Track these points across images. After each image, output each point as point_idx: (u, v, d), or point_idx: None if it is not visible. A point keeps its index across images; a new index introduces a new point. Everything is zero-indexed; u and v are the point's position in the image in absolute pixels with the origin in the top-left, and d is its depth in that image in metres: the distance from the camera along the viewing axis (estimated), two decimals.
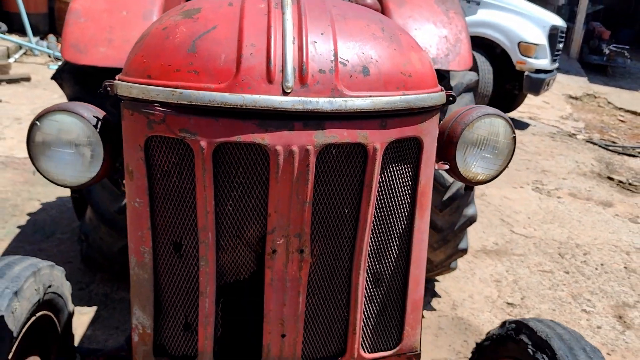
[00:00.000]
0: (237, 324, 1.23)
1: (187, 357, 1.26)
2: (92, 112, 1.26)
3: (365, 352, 1.31)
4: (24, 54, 8.12)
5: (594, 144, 7.99)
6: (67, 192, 4.36)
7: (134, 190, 1.16)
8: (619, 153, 7.68)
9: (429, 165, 1.23)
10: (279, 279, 1.18)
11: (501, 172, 1.34)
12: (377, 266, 1.25)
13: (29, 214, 3.96)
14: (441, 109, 1.24)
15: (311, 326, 1.25)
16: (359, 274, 1.21)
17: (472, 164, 1.31)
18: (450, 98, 1.22)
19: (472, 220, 3.01)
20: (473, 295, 3.64)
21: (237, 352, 1.26)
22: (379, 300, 1.29)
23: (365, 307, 1.26)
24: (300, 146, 1.07)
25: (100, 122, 1.24)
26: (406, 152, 1.19)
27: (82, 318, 2.97)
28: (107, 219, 2.88)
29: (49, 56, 8.20)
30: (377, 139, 1.12)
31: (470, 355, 2.05)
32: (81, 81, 2.83)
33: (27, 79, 7.03)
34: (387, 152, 1.14)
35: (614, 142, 8.26)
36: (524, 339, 1.81)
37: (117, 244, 2.98)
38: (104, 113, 1.29)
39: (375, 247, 1.22)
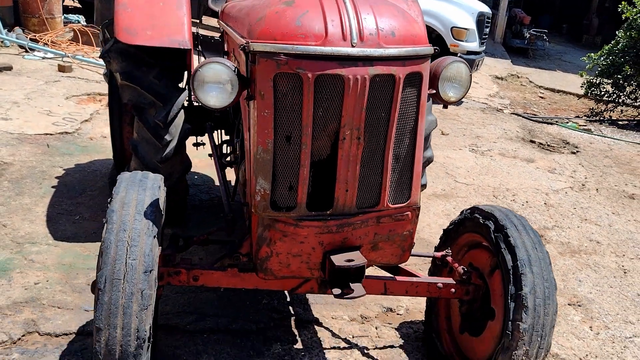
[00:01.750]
0: (319, 185, 2.10)
1: (289, 207, 2.12)
2: (231, 64, 2.06)
3: (390, 204, 2.21)
4: None
5: (518, 115, 9.22)
6: (83, 160, 5.06)
7: (263, 105, 2.00)
8: (538, 122, 8.92)
9: (426, 90, 2.14)
10: (346, 155, 2.06)
11: (464, 96, 2.25)
12: (398, 149, 2.14)
13: (56, 177, 4.64)
14: (431, 58, 2.14)
15: (361, 186, 2.14)
16: (389, 153, 2.11)
17: (448, 91, 2.21)
18: (435, 51, 2.13)
19: (430, 160, 3.96)
20: (430, 224, 4.64)
21: (318, 203, 2.13)
22: (398, 170, 2.19)
23: (391, 175, 2.16)
24: (361, 75, 1.94)
25: (235, 70, 2.06)
26: (414, 81, 2.09)
27: None
28: (151, 167, 3.65)
29: (20, 47, 8.62)
30: (400, 72, 2.01)
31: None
32: (128, 58, 3.57)
33: (9, 68, 7.51)
34: (405, 80, 2.04)
35: (534, 115, 9.54)
36: (477, 214, 2.76)
37: None
38: (236, 65, 2.09)
39: (397, 137, 2.12)
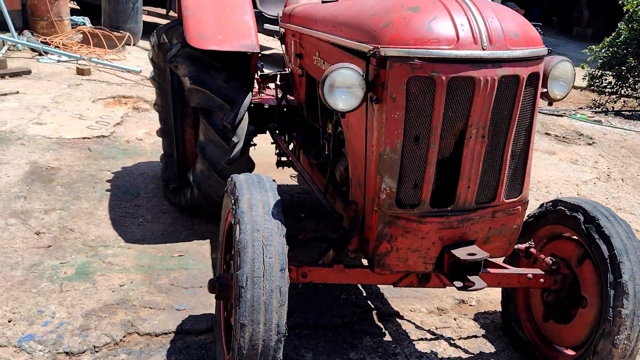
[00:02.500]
0: (440, 182, 2.20)
1: (413, 204, 2.22)
2: (358, 68, 2.14)
3: (504, 199, 2.32)
4: (7, 49, 8.47)
5: None
6: (128, 163, 5.10)
7: (394, 108, 2.08)
8: (548, 114, 9.11)
9: (540, 88, 2.26)
10: (470, 153, 2.16)
11: (568, 93, 2.37)
12: (515, 146, 2.25)
13: (107, 181, 4.68)
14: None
15: (481, 182, 2.24)
16: (508, 150, 2.22)
17: (555, 89, 2.32)
18: (549, 51, 2.25)
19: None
20: None
21: (440, 199, 2.23)
22: (513, 166, 2.30)
23: (507, 171, 2.27)
24: (490, 77, 2.04)
25: (363, 74, 2.14)
26: (533, 81, 2.20)
27: (199, 248, 3.80)
28: (218, 169, 3.73)
29: (33, 50, 8.59)
30: (524, 73, 2.12)
31: None
32: (196, 62, 3.64)
33: (28, 72, 7.49)
34: (527, 80, 2.15)
35: (540, 107, 9.72)
36: (561, 206, 2.88)
37: (223, 190, 3.83)
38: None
39: (515, 135, 2.23)
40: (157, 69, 4.55)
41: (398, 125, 2.11)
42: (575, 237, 2.83)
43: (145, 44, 10.44)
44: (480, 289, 2.30)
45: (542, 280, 2.78)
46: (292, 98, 4.10)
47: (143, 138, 5.87)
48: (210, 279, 2.53)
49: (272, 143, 4.28)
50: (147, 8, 11.48)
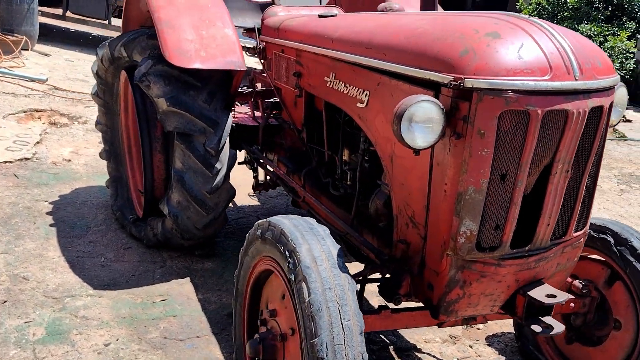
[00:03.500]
0: (522, 222, 2.03)
1: (493, 247, 2.03)
2: (438, 102, 1.91)
3: (573, 232, 2.20)
4: None
5: None
6: (65, 190, 4.50)
7: (482, 144, 1.87)
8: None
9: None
10: (554, 189, 2.01)
11: (621, 118, 2.31)
12: (588, 178, 2.14)
13: (48, 214, 4.09)
14: None
15: (558, 218, 2.10)
16: (584, 183, 2.10)
17: (613, 115, 2.24)
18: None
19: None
20: None
21: (520, 240, 2.06)
22: (584, 201, 2.18)
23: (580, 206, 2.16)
24: (582, 109, 1.90)
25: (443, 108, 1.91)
26: (610, 110, 2.09)
27: (181, 288, 3.39)
28: (198, 199, 3.35)
29: None
30: (607, 103, 1.99)
31: None
32: (172, 82, 3.22)
33: None
34: (609, 108, 2.04)
35: None
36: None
37: (203, 221, 3.45)
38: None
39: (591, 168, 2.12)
40: (103, 85, 4.04)
41: (485, 163, 1.91)
42: (601, 258, 2.80)
43: (43, 47, 9.46)
44: (561, 332, 2.16)
45: (572, 304, 2.72)
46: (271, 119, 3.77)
47: (71, 158, 5.23)
48: (251, 341, 2.20)
49: (250, 167, 3.94)
50: (42, 9, 10.40)
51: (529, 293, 2.13)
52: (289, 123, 3.42)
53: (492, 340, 3.27)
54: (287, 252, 2.04)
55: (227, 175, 3.42)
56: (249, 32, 3.86)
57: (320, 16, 3.09)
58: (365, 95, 2.43)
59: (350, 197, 2.78)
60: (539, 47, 1.90)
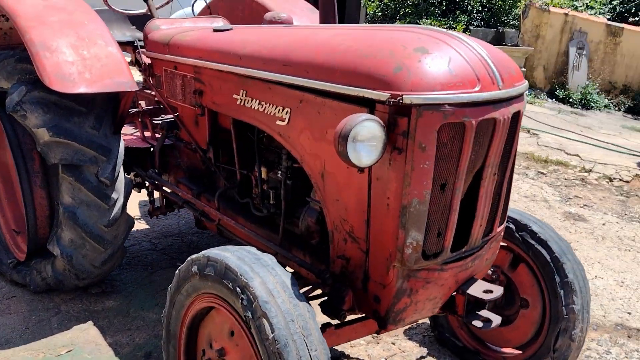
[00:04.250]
0: (457, 225, 2.12)
1: (436, 254, 2.09)
2: (379, 119, 1.90)
3: (497, 228, 2.34)
4: None
5: None
6: None
7: (423, 158, 1.90)
8: None
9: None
10: (485, 192, 2.12)
11: None
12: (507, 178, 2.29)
13: None
14: None
15: (486, 218, 2.23)
16: (506, 183, 2.24)
17: None
18: None
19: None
20: None
21: (456, 242, 2.14)
22: (502, 199, 2.33)
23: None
24: (506, 116, 2.01)
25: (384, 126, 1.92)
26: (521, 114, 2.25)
27: (86, 335, 3.09)
28: (95, 234, 3.08)
29: None
30: (521, 107, 2.13)
31: None
32: (53, 109, 2.92)
33: None
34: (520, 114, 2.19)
35: None
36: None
37: (102, 257, 3.18)
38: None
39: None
40: None
41: (427, 175, 1.97)
42: (504, 244, 3.03)
43: None
44: (498, 324, 2.30)
45: None
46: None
47: None
48: None
49: (139, 191, 3.68)
50: None
51: (468, 292, 2.24)
52: (188, 143, 3.25)
53: (411, 334, 3.40)
54: (237, 288, 1.94)
55: (124, 205, 3.17)
56: (122, 46, 3.60)
57: (215, 30, 2.97)
58: (286, 113, 2.39)
59: (274, 217, 2.72)
60: (465, 60, 1.99)
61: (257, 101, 2.53)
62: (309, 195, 2.53)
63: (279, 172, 2.63)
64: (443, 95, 1.90)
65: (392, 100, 1.90)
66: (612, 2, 13.26)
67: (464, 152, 1.99)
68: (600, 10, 12.93)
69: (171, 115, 3.58)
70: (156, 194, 3.74)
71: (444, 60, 1.96)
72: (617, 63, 12.34)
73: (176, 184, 3.43)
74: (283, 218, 2.62)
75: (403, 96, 1.89)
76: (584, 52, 11.98)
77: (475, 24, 11.52)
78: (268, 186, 2.74)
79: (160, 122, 3.55)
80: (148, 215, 3.73)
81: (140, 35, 4.03)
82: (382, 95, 1.93)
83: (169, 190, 3.46)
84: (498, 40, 11.29)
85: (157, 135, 3.67)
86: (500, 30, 11.40)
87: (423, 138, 1.92)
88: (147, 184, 3.67)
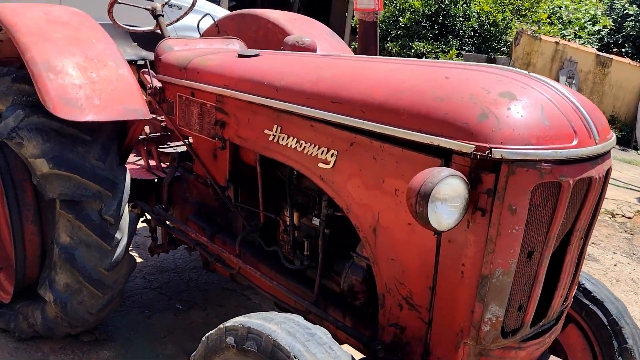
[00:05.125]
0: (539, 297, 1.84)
1: (515, 330, 1.80)
2: (463, 176, 1.62)
3: (571, 297, 2.06)
4: None
5: None
6: None
7: (513, 222, 1.62)
8: None
9: None
10: (570, 259, 1.85)
11: None
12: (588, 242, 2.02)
13: None
14: None
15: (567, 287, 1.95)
16: (586, 247, 1.97)
17: None
18: None
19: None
20: None
21: (535, 316, 1.86)
22: (581, 263, 2.05)
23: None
24: (600, 173, 1.74)
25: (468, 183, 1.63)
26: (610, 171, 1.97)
27: None
28: (94, 279, 2.73)
29: None
30: (610, 163, 1.87)
31: None
32: (53, 137, 2.57)
33: None
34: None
35: None
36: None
37: (100, 303, 2.82)
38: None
39: None
40: None
41: (515, 242, 1.68)
42: None
43: None
44: None
45: None
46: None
47: None
48: None
49: (150, 229, 3.33)
50: None
51: None
52: (200, 176, 2.92)
53: None
54: None
55: (128, 245, 2.82)
56: None
57: (240, 55, 2.66)
58: (332, 155, 2.09)
59: (307, 269, 2.40)
60: (558, 109, 1.72)
61: (295, 139, 2.23)
62: (351, 248, 2.23)
63: (316, 219, 2.32)
64: (539, 151, 1.62)
65: (479, 153, 1.62)
66: (601, 33, 13.34)
67: (557, 216, 1.71)
68: (589, 39, 12.98)
69: (181, 144, 3.26)
70: (158, 229, 3.38)
71: (536, 109, 1.69)
72: (605, 93, 12.37)
73: (184, 221, 3.08)
74: (319, 272, 2.30)
75: (492, 149, 1.61)
76: (574, 82, 11.97)
77: (466, 49, 11.41)
78: (301, 234, 2.42)
79: (169, 151, 3.21)
80: (148, 252, 3.37)
81: (143, 53, 3.70)
82: (465, 146, 1.64)
83: (176, 228, 3.11)
84: None
85: (162, 164, 3.33)
86: (492, 56, 11.33)
87: (514, 199, 1.64)
88: (149, 217, 3.31)
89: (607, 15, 13.64)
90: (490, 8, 11.26)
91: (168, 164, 3.30)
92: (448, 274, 1.80)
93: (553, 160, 1.63)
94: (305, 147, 2.19)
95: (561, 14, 12.79)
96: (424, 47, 10.55)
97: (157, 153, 3.28)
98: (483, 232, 1.69)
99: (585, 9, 13.17)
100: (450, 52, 10.50)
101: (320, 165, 2.13)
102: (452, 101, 1.75)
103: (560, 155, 1.64)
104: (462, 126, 1.68)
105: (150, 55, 3.48)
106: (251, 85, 2.40)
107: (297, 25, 3.65)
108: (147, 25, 3.73)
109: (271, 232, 2.61)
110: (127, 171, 2.80)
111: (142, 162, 3.39)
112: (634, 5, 13.69)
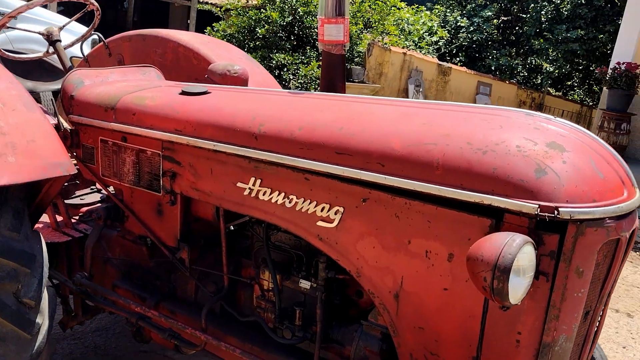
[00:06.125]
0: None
1: None
2: (532, 240, 1.44)
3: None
4: None
5: None
6: None
7: (580, 284, 1.48)
8: None
9: None
10: (596, 319, 1.76)
11: None
12: None
13: None
14: None
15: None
16: (607, 307, 1.89)
17: None
18: None
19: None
20: None
21: None
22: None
23: None
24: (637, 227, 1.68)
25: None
26: None
27: None
28: None
29: None
30: None
31: None
32: None
33: None
34: None
35: None
36: None
37: None
38: None
39: None
40: None
41: (580, 305, 1.56)
42: None
43: None
44: None
45: None
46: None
47: None
48: None
49: (61, 301, 2.72)
50: None
51: None
52: (133, 234, 2.45)
53: None
54: None
55: (50, 329, 2.26)
56: None
57: (185, 93, 2.26)
58: (336, 213, 1.82)
59: (299, 341, 2.07)
60: (604, 160, 1.63)
61: (282, 194, 1.92)
62: (346, 314, 1.98)
63: (305, 282, 2.02)
64: (604, 208, 1.51)
65: (546, 214, 1.46)
66: (438, 43, 14.31)
67: (613, 272, 1.63)
68: (428, 50, 13.84)
69: (89, 194, 2.74)
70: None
71: (587, 161, 1.58)
72: (447, 99, 13.29)
73: (112, 288, 2.56)
74: (318, 344, 2.00)
75: (559, 209, 1.46)
76: (421, 89, 12.68)
77: None
78: (287, 301, 2.10)
79: (79, 203, 2.67)
80: (59, 326, 2.77)
81: (29, 85, 3.07)
82: (525, 206, 1.48)
83: (106, 299, 2.57)
84: (347, 76, 11.44)
85: (72, 220, 2.75)
86: (348, 67, 11.56)
87: (582, 261, 1.51)
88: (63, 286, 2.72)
89: (442, 27, 14.68)
90: None
91: (77, 218, 2.74)
92: (498, 344, 1.63)
93: (615, 216, 1.53)
94: (297, 203, 1.89)
95: (403, 26, 13.48)
96: (284, 59, 10.43)
97: (65, 207, 2.71)
98: (544, 298, 1.54)
99: (423, 21, 14.03)
100: (312, 63, 10.50)
101: (320, 224, 1.85)
102: (497, 154, 1.57)
103: (621, 210, 1.54)
104: (519, 183, 1.51)
105: (39, 87, 2.88)
106: (215, 131, 2.03)
107: (212, 48, 3.27)
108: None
109: (244, 299, 2.25)
110: (42, 237, 2.25)
111: (47, 219, 2.77)
112: (465, 18, 14.90)
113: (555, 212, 1.45)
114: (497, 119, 1.72)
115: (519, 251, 1.38)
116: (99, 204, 2.77)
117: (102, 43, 3.42)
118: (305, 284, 2.04)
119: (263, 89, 2.43)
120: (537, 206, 1.47)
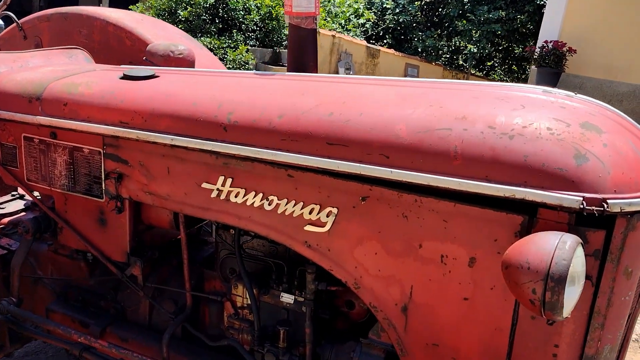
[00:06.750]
0: None
1: None
2: (581, 241, 1.21)
3: None
4: None
5: None
6: None
7: (628, 287, 1.26)
8: None
9: None
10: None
11: None
12: None
13: None
14: None
15: None
16: None
17: None
18: None
19: None
20: None
21: None
22: None
23: None
24: None
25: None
26: None
27: None
28: None
29: None
30: None
31: None
32: None
33: None
34: None
35: None
36: None
37: None
38: None
39: None
40: None
41: (625, 310, 1.35)
42: None
43: None
44: None
45: None
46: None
47: None
48: None
49: None
50: None
51: None
52: (68, 248, 2.06)
53: None
54: None
55: None
56: None
57: (126, 77, 1.88)
58: (328, 215, 1.53)
59: None
60: (639, 139, 1.43)
61: (260, 195, 1.60)
62: (336, 329, 1.70)
63: (287, 296, 1.72)
64: None
65: (593, 207, 1.23)
66: (365, 26, 14.15)
67: None
68: (355, 32, 13.67)
69: (20, 204, 2.31)
70: None
71: (626, 142, 1.37)
72: None
73: (46, 314, 2.15)
74: None
75: (607, 201, 1.24)
76: (351, 72, 12.49)
77: (251, 43, 11.09)
78: (267, 319, 1.78)
79: (17, 218, 2.24)
80: None
81: None
82: (566, 199, 1.25)
83: (39, 328, 2.15)
84: (275, 60, 11.08)
85: None
86: (277, 50, 11.20)
87: (631, 260, 1.29)
88: None
89: (368, 9, 14.53)
90: (271, 2, 11.08)
91: None
92: (531, 358, 1.40)
93: None
94: (278, 205, 1.58)
95: (330, 8, 13.22)
96: (210, 43, 9.91)
97: None
98: (587, 304, 1.32)
99: (349, 3, 13.82)
100: (240, 47, 10.05)
101: (309, 228, 1.56)
102: (526, 139, 1.32)
103: None
104: (557, 172, 1.28)
105: None
106: (172, 122, 1.68)
107: (147, 27, 2.86)
108: None
109: (211, 319, 1.91)
110: None
111: None
112: (390, 0, 14.81)
113: (604, 204, 1.23)
114: (515, 97, 1.48)
115: (575, 256, 1.14)
116: (24, 214, 2.33)
117: (14, 24, 2.94)
118: (288, 298, 1.74)
119: (223, 71, 2.09)
120: (581, 199, 1.24)
